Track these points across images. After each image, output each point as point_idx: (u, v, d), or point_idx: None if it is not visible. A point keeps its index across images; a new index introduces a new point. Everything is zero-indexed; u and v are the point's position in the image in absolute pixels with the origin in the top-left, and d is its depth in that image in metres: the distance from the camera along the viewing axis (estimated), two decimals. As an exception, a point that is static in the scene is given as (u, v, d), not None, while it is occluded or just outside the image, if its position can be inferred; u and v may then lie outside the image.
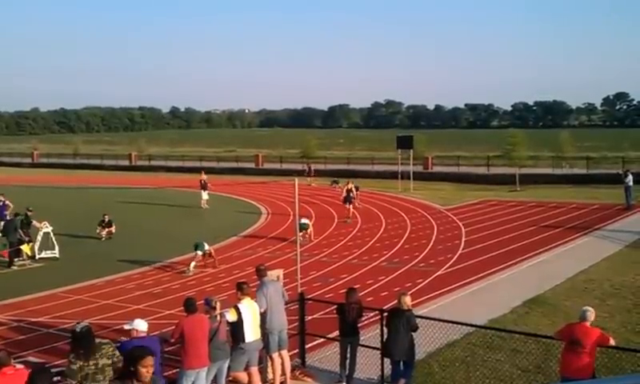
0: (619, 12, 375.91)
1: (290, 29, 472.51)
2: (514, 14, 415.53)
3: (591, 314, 8.43)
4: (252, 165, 60.66)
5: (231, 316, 9.56)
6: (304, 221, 22.78)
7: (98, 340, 7.40)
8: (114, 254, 21.92)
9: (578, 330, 8.34)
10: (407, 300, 9.92)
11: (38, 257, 21.33)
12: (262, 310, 9.96)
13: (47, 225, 22.17)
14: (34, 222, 22.52)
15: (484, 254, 20.36)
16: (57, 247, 21.72)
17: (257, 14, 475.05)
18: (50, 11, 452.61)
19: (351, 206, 29.17)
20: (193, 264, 18.97)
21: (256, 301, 9.96)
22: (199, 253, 19.19)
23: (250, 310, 9.71)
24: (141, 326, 8.33)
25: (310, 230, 23.65)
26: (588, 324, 8.38)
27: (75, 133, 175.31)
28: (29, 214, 22.71)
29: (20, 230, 21.47)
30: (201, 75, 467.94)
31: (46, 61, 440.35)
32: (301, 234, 18.38)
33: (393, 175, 43.46)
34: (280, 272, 11.74)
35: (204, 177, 35.53)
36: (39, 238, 21.90)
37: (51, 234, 21.97)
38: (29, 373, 6.05)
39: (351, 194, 29.51)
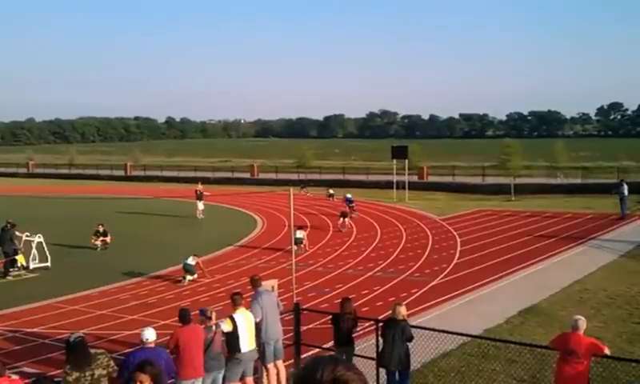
0: (613, 23, 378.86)
1: (286, 39, 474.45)
2: (509, 24, 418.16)
3: (583, 323, 8.46)
4: (247, 175, 60.62)
5: (226, 326, 9.56)
6: (298, 235, 22.68)
7: (93, 350, 7.42)
8: (109, 264, 21.87)
9: (572, 340, 8.37)
10: (402, 310, 9.94)
11: (32, 267, 21.25)
12: (257, 320, 9.97)
13: (28, 234, 22.12)
14: (17, 233, 22.21)
15: (479, 264, 20.39)
16: (49, 258, 21.62)
17: (252, 24, 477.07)
18: (45, 21, 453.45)
19: (347, 219, 29.10)
20: (188, 278, 18.93)
21: (251, 311, 9.97)
22: (189, 277, 19.02)
23: (245, 321, 9.71)
24: (148, 335, 8.25)
25: (305, 240, 23.66)
26: (581, 333, 8.41)
27: (71, 143, 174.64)
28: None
29: (15, 240, 21.39)
30: (196, 85, 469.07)
31: (41, 71, 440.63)
32: (296, 247, 18.37)
33: (388, 185, 43.51)
34: (275, 282, 11.77)
35: (200, 187, 35.54)
36: (35, 250, 21.79)
37: (43, 245, 21.90)
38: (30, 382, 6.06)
39: (348, 211, 29.85)
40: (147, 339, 8.22)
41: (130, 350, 8.62)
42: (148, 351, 7.89)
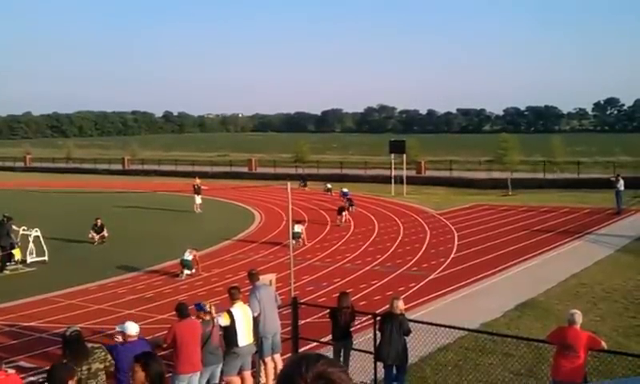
0: (610, 18, 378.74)
1: (284, 33, 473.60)
2: (506, 19, 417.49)
3: (579, 317, 8.49)
4: (245, 169, 60.58)
5: (224, 320, 9.57)
6: (297, 229, 22.68)
7: (90, 345, 7.41)
8: (107, 258, 21.86)
9: (569, 334, 8.40)
10: (400, 304, 9.95)
11: (29, 261, 21.24)
12: (255, 314, 9.98)
13: (25, 228, 22.12)
14: (14, 227, 22.20)
15: (476, 258, 20.43)
16: (46, 252, 21.60)
17: (250, 18, 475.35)
18: (42, 15, 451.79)
19: (345, 213, 29.05)
20: (186, 272, 18.93)
21: (249, 305, 9.97)
22: (186, 272, 19.01)
23: (242, 315, 9.72)
24: (130, 329, 8.16)
25: (303, 235, 23.66)
26: (578, 327, 8.44)
27: (68, 137, 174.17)
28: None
29: (12, 235, 21.37)
30: (194, 79, 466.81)
31: (38, 64, 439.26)
32: (294, 241, 18.35)
33: (386, 180, 43.52)
34: (273, 276, 11.77)
35: (198, 181, 35.54)
36: (32, 244, 21.78)
37: (40, 239, 21.89)
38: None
39: (345, 207, 29.76)
40: (136, 333, 8.07)
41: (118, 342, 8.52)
42: (134, 345, 7.81)
